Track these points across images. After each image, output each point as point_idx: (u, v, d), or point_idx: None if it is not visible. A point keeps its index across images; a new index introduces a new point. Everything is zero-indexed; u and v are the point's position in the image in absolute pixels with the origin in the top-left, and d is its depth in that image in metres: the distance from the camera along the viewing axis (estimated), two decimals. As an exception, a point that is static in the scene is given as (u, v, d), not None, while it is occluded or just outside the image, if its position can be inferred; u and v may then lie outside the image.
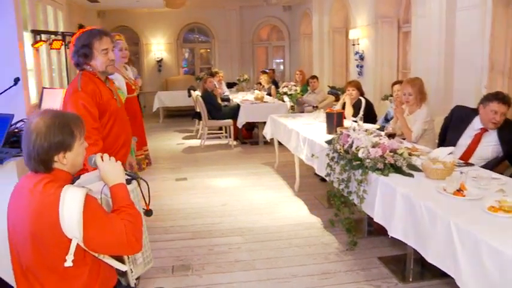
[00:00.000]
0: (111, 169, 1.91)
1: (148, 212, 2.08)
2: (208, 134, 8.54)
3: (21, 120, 3.34)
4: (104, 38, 2.77)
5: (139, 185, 2.11)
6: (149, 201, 2.10)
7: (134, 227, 1.78)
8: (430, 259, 2.37)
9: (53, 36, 5.23)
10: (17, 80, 4.17)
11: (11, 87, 4.09)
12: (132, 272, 2.04)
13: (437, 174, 2.88)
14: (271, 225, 4.37)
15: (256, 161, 7.05)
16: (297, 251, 3.76)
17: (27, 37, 5.12)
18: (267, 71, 10.57)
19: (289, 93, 7.91)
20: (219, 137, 8.91)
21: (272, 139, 6.39)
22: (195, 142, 8.84)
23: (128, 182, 2.03)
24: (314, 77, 8.43)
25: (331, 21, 9.73)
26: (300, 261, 3.59)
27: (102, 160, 1.93)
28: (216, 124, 8.45)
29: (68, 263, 1.68)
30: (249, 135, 8.93)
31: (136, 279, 3.26)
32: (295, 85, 8.11)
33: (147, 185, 2.08)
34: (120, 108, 2.93)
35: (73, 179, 1.87)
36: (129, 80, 4.41)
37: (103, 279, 1.84)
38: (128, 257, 2.01)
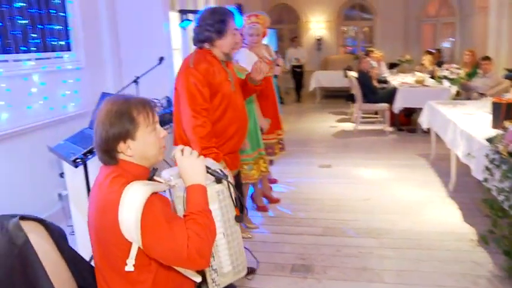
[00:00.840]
0: (190, 166, 1.66)
1: (238, 218, 1.83)
2: (364, 118, 8.04)
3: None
4: (234, 19, 2.69)
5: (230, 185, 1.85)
6: (237, 204, 1.84)
7: (200, 240, 1.52)
8: None
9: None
10: (161, 59, 4.26)
11: (155, 66, 4.20)
12: (213, 281, 1.82)
13: None
14: (413, 229, 3.81)
15: (410, 152, 6.36)
16: (437, 267, 3.18)
17: (175, 17, 5.29)
18: (433, 51, 9.47)
19: (449, 77, 6.87)
20: (374, 122, 8.34)
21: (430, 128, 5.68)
22: (348, 126, 8.40)
23: (218, 181, 1.80)
24: (487, 58, 7.18)
25: (514, -10, 8.24)
26: (439, 280, 3.01)
27: (183, 154, 1.69)
28: (370, 108, 7.89)
29: (129, 267, 1.54)
30: (407, 122, 8.13)
31: (248, 275, 3.10)
32: (458, 68, 7.02)
33: (233, 186, 1.82)
34: (234, 93, 2.73)
35: (150, 172, 1.71)
36: (263, 60, 4.22)
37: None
38: (211, 265, 1.81)
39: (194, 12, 5.60)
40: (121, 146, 1.61)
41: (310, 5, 12.95)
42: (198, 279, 1.71)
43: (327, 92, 12.20)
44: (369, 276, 3.12)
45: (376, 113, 8.46)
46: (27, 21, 3.82)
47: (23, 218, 1.74)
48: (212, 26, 2.63)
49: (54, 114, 4.15)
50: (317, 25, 13.11)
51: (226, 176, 1.80)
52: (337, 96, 11.59)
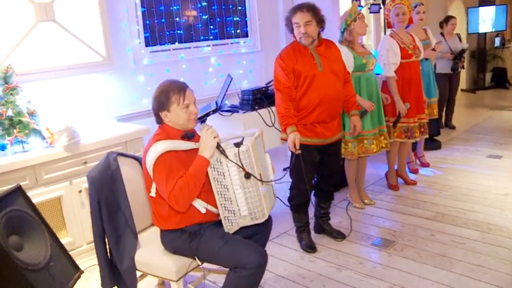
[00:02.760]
0: (205, 142, 2.28)
1: (246, 175, 2.33)
2: None
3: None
4: (298, 13, 3.17)
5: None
6: (244, 166, 2.32)
7: (180, 192, 2.20)
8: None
9: (370, 1, 5.47)
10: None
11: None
12: (226, 219, 2.41)
13: None
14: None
15: None
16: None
17: (347, 2, 5.55)
18: None
19: None
20: None
21: None
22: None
23: (237, 145, 2.35)
24: None
25: None
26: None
27: (206, 131, 2.31)
28: None
29: (152, 193, 2.36)
30: None
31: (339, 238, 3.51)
32: None
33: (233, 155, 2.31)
34: (321, 72, 3.20)
35: (183, 134, 2.40)
36: (407, 46, 4.32)
37: (186, 212, 2.34)
38: (224, 207, 2.39)
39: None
40: (162, 114, 2.38)
41: None
42: (202, 210, 2.39)
43: None
44: (440, 262, 3.15)
45: None
46: (207, 16, 4.81)
47: (122, 155, 2.70)
48: (286, 24, 3.34)
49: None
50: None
51: (239, 146, 2.31)
52: None
